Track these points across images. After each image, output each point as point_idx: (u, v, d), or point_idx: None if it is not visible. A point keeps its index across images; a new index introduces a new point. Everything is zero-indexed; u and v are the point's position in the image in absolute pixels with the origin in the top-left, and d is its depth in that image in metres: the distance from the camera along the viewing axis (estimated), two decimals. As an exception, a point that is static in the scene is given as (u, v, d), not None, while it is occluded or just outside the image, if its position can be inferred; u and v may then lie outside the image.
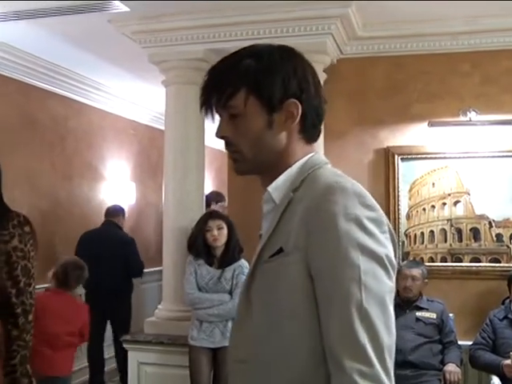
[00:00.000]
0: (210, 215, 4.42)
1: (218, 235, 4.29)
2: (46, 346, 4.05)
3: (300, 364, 1.35)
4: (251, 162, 1.50)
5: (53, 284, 4.35)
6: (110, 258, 6.00)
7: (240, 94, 1.46)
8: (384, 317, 1.29)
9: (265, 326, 1.39)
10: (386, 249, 1.34)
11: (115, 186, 7.42)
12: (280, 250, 1.38)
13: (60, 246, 6.22)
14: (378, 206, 1.38)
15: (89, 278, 4.54)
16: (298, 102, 1.46)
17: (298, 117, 1.47)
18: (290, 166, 1.49)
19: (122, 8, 4.39)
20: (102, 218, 6.59)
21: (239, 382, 1.46)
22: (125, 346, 4.82)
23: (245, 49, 1.53)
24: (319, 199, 1.35)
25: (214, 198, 6.55)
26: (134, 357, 4.78)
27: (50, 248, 6.01)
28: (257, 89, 1.46)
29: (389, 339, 1.29)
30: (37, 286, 4.94)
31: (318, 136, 1.57)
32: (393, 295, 1.34)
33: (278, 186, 1.49)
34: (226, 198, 5.71)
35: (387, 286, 1.32)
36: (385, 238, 1.35)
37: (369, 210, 1.34)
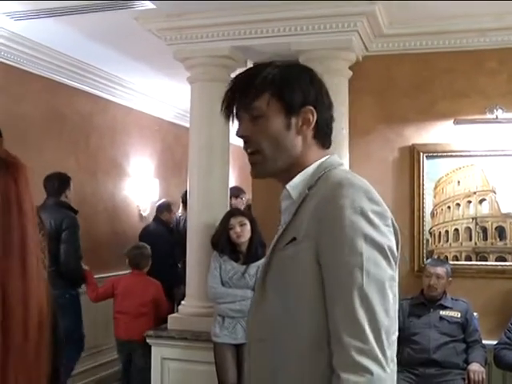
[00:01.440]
0: (232, 213, 4.46)
1: (241, 231, 4.32)
2: (123, 315, 5.17)
3: (308, 342, 1.49)
4: (269, 164, 1.65)
5: None
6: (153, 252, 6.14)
7: (264, 96, 1.62)
8: (383, 300, 1.43)
9: (279, 307, 1.54)
10: (389, 240, 1.49)
11: (139, 182, 7.47)
12: (293, 239, 1.54)
13: (84, 242, 6.27)
14: (382, 202, 1.52)
15: None
16: (314, 110, 1.63)
17: (313, 123, 1.64)
18: (303, 167, 1.65)
19: (149, 5, 4.42)
20: (127, 214, 6.67)
21: (258, 359, 1.60)
22: (148, 341, 4.85)
23: (265, 63, 1.71)
24: (330, 193, 1.50)
25: (233, 192, 6.59)
26: (157, 352, 4.81)
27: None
28: (279, 93, 1.62)
29: (387, 321, 1.43)
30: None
31: (330, 144, 1.72)
32: (394, 283, 1.50)
33: (295, 184, 1.64)
34: (251, 196, 5.73)
35: (387, 273, 1.46)
36: (388, 231, 1.50)
37: (374, 204, 1.49)
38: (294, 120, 1.62)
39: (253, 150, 1.65)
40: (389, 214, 1.53)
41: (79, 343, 5.24)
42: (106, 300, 5.38)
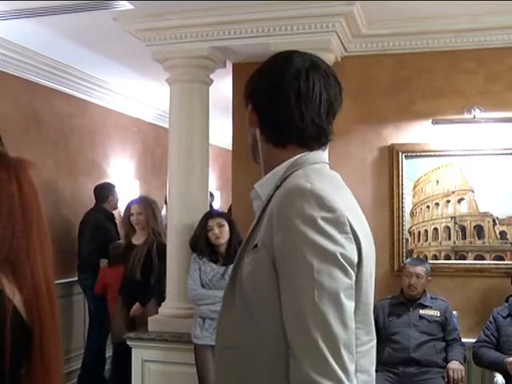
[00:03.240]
0: (210, 215, 4.45)
1: (220, 233, 4.32)
2: (116, 299, 5.56)
3: (270, 351, 1.44)
4: (251, 153, 1.70)
5: None
6: None
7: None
8: (339, 313, 1.35)
9: (243, 316, 1.50)
10: (342, 247, 1.39)
11: (119, 184, 7.42)
12: (255, 246, 1.49)
13: (63, 244, 6.23)
14: (337, 207, 1.41)
15: None
16: (249, 104, 1.63)
17: (250, 116, 1.63)
18: (270, 166, 1.60)
19: (127, 6, 4.40)
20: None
21: (225, 367, 1.55)
22: (128, 343, 4.83)
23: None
24: (280, 200, 1.44)
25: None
26: (137, 354, 4.78)
27: (54, 245, 6.02)
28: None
29: (345, 334, 1.35)
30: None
31: (286, 143, 1.59)
32: (351, 292, 1.40)
33: (263, 184, 1.60)
34: (231, 196, 5.71)
35: (343, 283, 1.37)
36: (344, 238, 1.40)
37: (325, 212, 1.39)
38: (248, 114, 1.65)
39: None
40: (345, 219, 1.42)
41: (103, 323, 5.96)
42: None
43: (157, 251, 5.27)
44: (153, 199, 5.71)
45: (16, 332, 1.36)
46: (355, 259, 1.42)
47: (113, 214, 6.52)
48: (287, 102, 1.55)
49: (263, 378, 1.45)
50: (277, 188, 1.53)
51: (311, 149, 1.59)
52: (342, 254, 1.38)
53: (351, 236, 1.42)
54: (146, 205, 5.50)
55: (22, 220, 1.44)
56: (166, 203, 6.76)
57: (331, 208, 1.41)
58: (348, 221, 1.42)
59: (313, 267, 1.35)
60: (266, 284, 1.44)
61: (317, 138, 1.59)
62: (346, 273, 1.38)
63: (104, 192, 6.39)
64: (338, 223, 1.40)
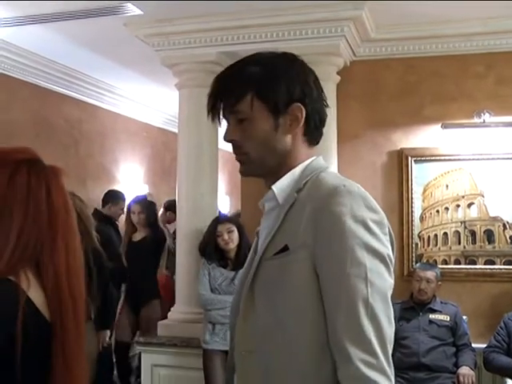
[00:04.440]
0: (219, 220, 4.45)
1: (229, 238, 4.32)
2: None
3: (304, 357, 1.44)
4: (257, 164, 1.58)
5: None
6: None
7: (246, 99, 1.53)
8: (386, 310, 1.40)
9: (270, 320, 1.48)
10: (388, 248, 1.45)
11: (128, 188, 7.44)
12: (285, 248, 1.47)
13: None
14: (379, 209, 1.47)
15: None
16: (301, 106, 1.55)
17: (303, 120, 1.55)
18: (292, 168, 1.58)
19: (136, 11, 4.42)
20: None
21: (248, 370, 1.54)
22: (138, 348, 4.83)
23: (249, 57, 1.62)
24: (327, 201, 1.43)
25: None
26: (147, 359, 4.79)
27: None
28: (262, 94, 1.53)
29: (390, 331, 1.41)
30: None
31: (320, 138, 1.64)
32: (391, 291, 1.46)
33: (282, 187, 1.56)
34: (240, 201, 5.70)
35: (388, 282, 1.43)
36: (386, 239, 1.46)
37: (373, 213, 1.44)
38: (281, 120, 1.53)
39: (239, 151, 1.59)
40: (386, 221, 1.47)
41: None
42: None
43: (94, 261, 4.02)
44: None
45: (29, 322, 1.39)
46: (393, 260, 1.49)
47: (109, 217, 6.30)
48: (324, 101, 1.62)
49: (294, 379, 1.45)
50: (299, 190, 1.52)
51: (314, 150, 1.64)
52: (388, 255, 1.44)
53: (388, 238, 1.48)
54: (77, 200, 4.16)
55: (47, 225, 1.51)
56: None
57: (377, 209, 1.46)
58: (387, 223, 1.49)
59: (366, 266, 1.38)
60: (303, 286, 1.44)
61: None
62: (389, 272, 1.44)
63: (106, 197, 6.37)
64: (382, 225, 1.46)
